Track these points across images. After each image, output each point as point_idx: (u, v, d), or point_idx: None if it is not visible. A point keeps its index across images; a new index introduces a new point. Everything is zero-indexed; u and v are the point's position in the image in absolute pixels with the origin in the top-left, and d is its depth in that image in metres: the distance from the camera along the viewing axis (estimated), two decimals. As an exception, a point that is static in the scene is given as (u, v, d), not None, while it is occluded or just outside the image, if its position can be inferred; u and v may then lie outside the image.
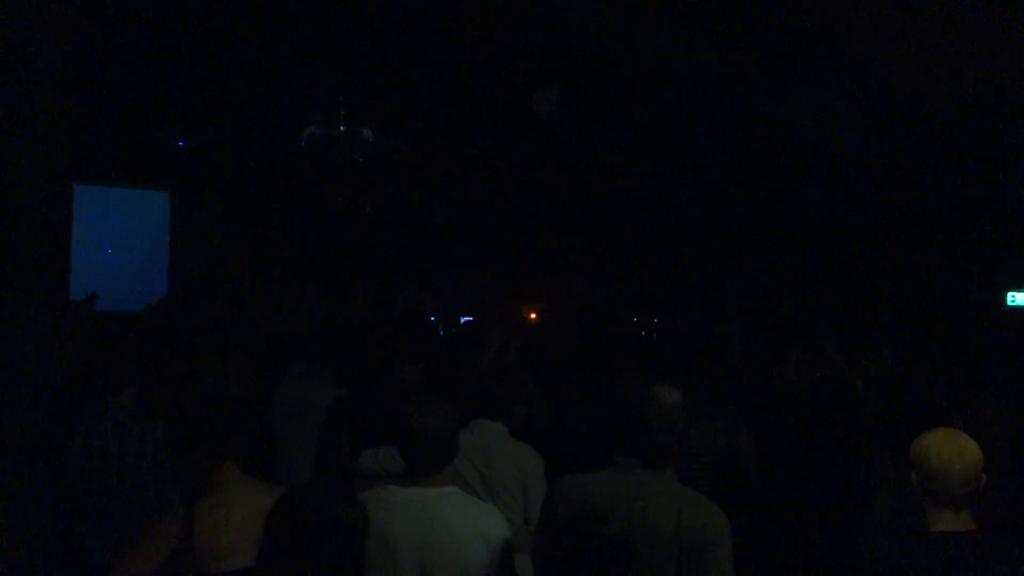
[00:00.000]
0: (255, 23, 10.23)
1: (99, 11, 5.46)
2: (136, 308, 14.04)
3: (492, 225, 18.89)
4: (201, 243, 18.42)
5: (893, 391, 8.12)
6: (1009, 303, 16.02)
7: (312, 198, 17.86)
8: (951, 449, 3.58)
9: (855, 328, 13.17)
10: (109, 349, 6.23)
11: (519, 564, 3.99)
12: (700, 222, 12.66)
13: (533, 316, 17.85)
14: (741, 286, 13.17)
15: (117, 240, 17.01)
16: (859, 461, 7.11)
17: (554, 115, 9.60)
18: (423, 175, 17.50)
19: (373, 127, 9.62)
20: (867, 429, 7.20)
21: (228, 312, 12.98)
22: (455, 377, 6.19)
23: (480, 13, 9.20)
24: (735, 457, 7.03)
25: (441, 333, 14.41)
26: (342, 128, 9.49)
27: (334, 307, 13.83)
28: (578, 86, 9.67)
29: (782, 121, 12.60)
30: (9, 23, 4.80)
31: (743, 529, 6.39)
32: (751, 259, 13.58)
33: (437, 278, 19.15)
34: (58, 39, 4.91)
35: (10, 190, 4.84)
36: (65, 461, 5.19)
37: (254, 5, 9.77)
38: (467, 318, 17.16)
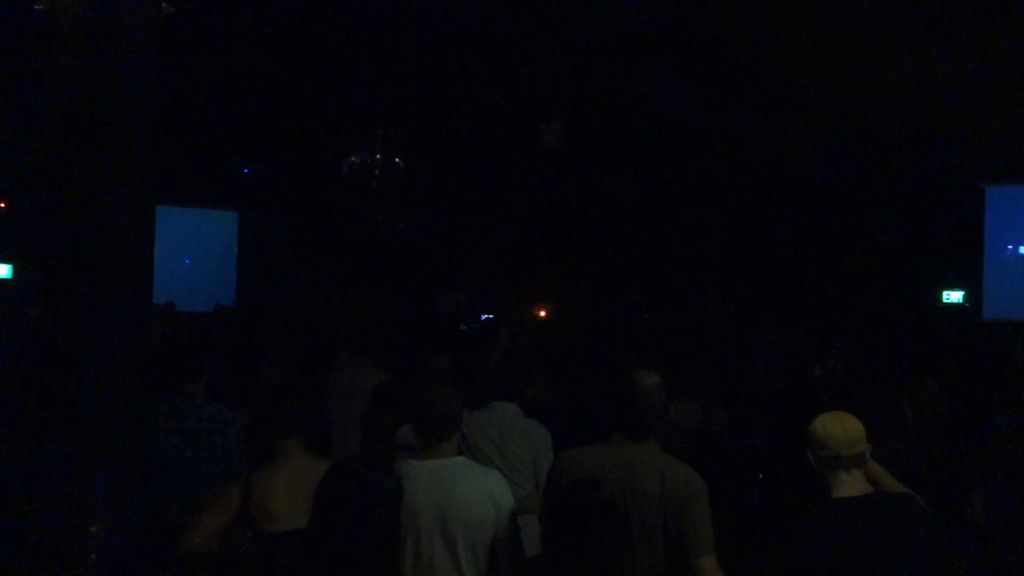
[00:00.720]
0: (307, 77, 10.29)
1: (181, 66, 5.54)
2: (208, 309, 14.11)
3: (506, 238, 18.87)
4: (263, 255, 18.51)
5: (846, 376, 8.14)
6: (944, 300, 16.00)
7: (354, 216, 17.87)
8: (835, 422, 3.64)
9: (815, 324, 13.18)
10: (186, 343, 6.28)
11: (529, 523, 4.02)
12: (686, 236, 12.65)
13: (542, 314, 17.86)
14: (719, 291, 13.16)
15: (193, 252, 17.09)
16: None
17: (559, 144, 9.60)
18: (448, 196, 17.53)
19: (404, 156, 9.63)
20: (822, 410, 7.20)
21: (286, 311, 13.03)
22: (476, 365, 6.21)
23: (496, 61, 9.23)
24: (711, 432, 7.07)
25: (464, 328, 14.38)
26: (378, 156, 9.51)
27: (374, 307, 13.87)
28: (580, 121, 9.69)
29: (754, 147, 12.60)
30: (107, 78, 4.85)
31: (718, 493, 6.46)
32: (729, 268, 13.57)
33: (462, 283, 19.18)
34: (147, 90, 4.95)
35: (104, 211, 4.88)
36: (151, 438, 5.23)
37: (306, 65, 9.84)
38: (486, 315, 17.16)
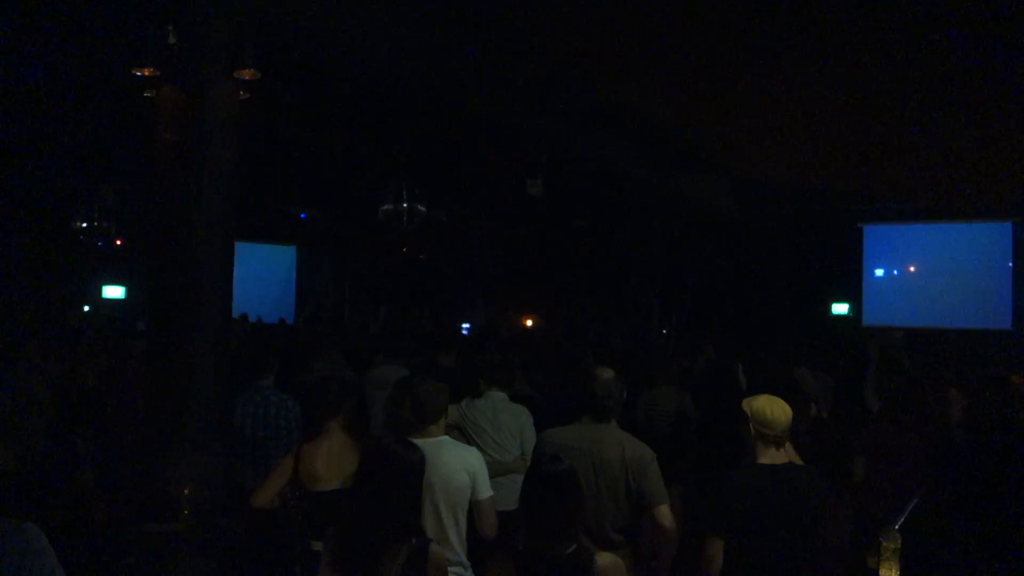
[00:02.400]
0: (350, 145, 10.33)
1: (255, 137, 5.60)
2: (274, 321, 14.08)
3: (502, 265, 18.90)
4: (315, 280, 18.52)
5: (757, 373, 8.16)
6: (833, 312, 16.06)
7: (385, 250, 17.89)
8: (774, 406, 3.63)
9: (737, 334, 13.22)
10: (258, 348, 6.27)
11: (513, 482, 4.02)
12: (635, 263, 12.67)
13: (528, 323, 17.86)
14: (662, 307, 13.17)
15: (262, 277, 17.08)
16: (739, 418, 7.15)
17: (541, 194, 9.63)
18: (457, 234, 17.58)
19: (426, 203, 9.64)
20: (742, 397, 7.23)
21: (334, 323, 13.01)
22: (475, 362, 6.21)
23: (493, 133, 9.28)
24: (683, 412, 7.10)
25: (464, 333, 14.36)
26: (405, 205, 9.51)
27: (402, 318, 13.86)
28: (557, 176, 9.74)
29: (685, 197, 12.66)
30: (199, 147, 4.87)
31: (689, 458, 6.50)
32: (669, 289, 13.61)
33: (469, 300, 19.20)
34: (229, 155, 4.97)
35: (196, 246, 4.89)
36: (230, 421, 5.23)
37: (350, 136, 9.90)
38: (476, 324, 17.15)
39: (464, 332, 15.46)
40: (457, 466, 3.71)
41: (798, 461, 3.87)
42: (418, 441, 3.68)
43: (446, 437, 3.89)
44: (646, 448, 3.83)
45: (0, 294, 11.59)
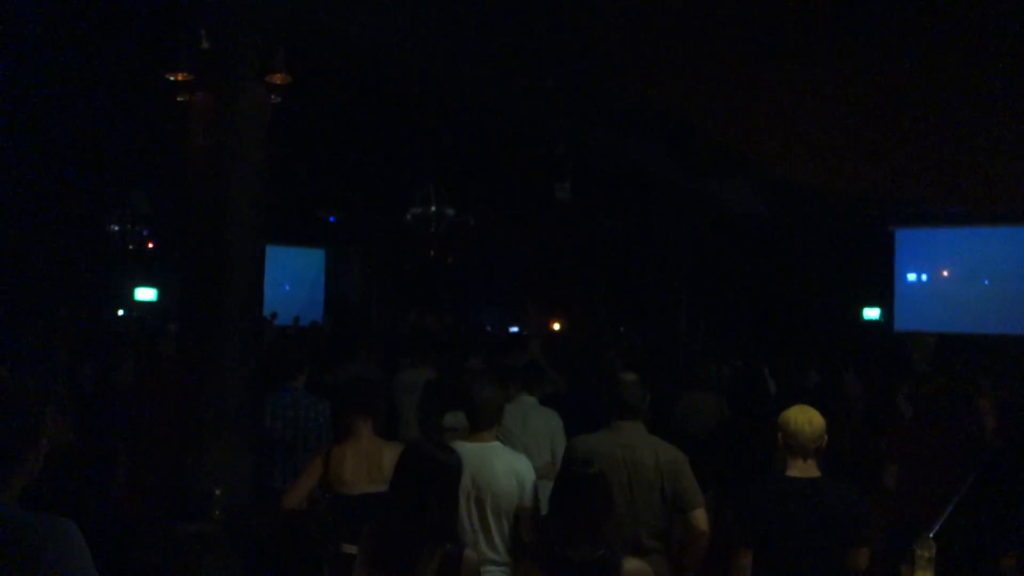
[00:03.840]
0: (379, 149, 10.38)
1: (286, 141, 5.66)
2: (304, 324, 14.16)
3: (529, 268, 18.90)
4: (344, 283, 18.62)
5: (788, 377, 8.11)
6: (865, 317, 15.91)
7: (414, 253, 17.95)
8: (804, 418, 3.52)
9: (766, 340, 13.13)
10: (288, 350, 6.31)
11: (545, 488, 4.03)
12: (664, 268, 12.62)
13: (555, 327, 17.83)
14: (690, 312, 13.12)
15: (292, 280, 17.19)
16: (767, 422, 7.11)
17: (569, 198, 9.62)
18: (485, 238, 17.58)
19: (454, 207, 9.67)
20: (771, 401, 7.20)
21: (363, 326, 13.06)
22: (504, 367, 6.21)
23: (522, 136, 9.30)
24: (720, 418, 7.08)
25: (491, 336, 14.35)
26: (433, 208, 9.54)
27: (430, 321, 13.88)
28: (585, 179, 9.72)
29: (715, 200, 12.61)
30: (231, 151, 4.92)
31: (727, 454, 6.49)
32: (697, 294, 13.55)
33: (495, 302, 19.22)
34: (260, 160, 5.02)
35: (227, 249, 4.94)
36: (261, 422, 5.26)
37: (379, 141, 9.95)
38: (514, 328, 17.15)
39: (512, 333, 15.51)
40: (507, 472, 3.70)
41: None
42: (470, 445, 3.69)
43: (497, 443, 3.88)
44: (678, 451, 3.82)
45: (34, 296, 11.74)
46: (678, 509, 3.72)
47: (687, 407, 7.19)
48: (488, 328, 16.26)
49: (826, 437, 3.56)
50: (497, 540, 3.66)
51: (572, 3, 6.13)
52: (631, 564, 2.79)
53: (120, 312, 14.37)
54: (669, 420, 6.95)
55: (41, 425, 2.06)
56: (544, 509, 3.76)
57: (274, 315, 11.96)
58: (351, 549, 3.72)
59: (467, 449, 3.63)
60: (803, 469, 3.53)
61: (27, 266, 11.98)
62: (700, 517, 3.70)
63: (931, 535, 3.44)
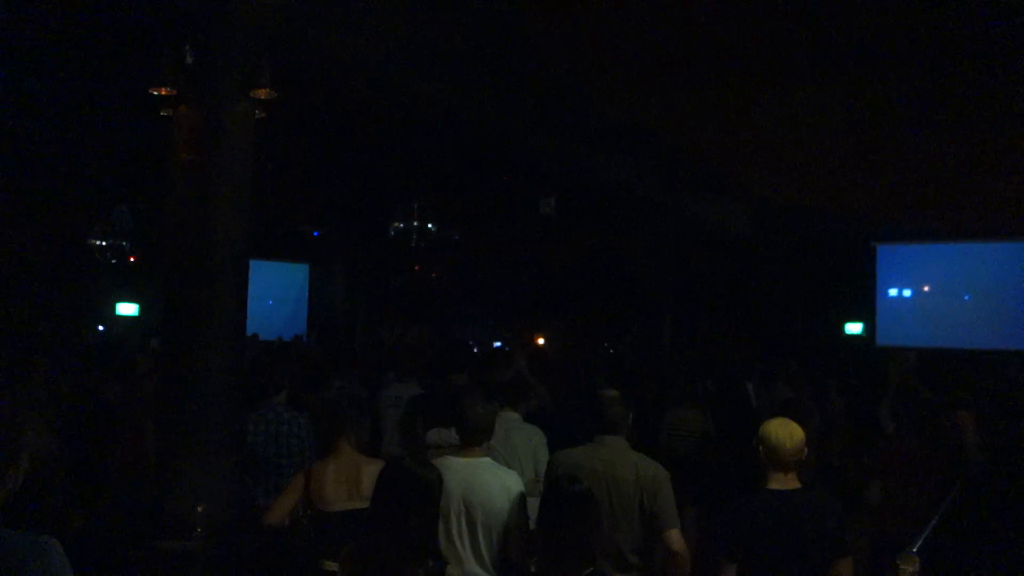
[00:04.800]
0: (362, 165, 10.39)
1: (269, 156, 5.65)
2: (287, 339, 14.10)
3: (513, 283, 18.92)
4: (328, 298, 18.57)
5: (768, 390, 8.14)
6: (847, 332, 16.01)
7: (398, 268, 17.93)
8: (784, 432, 3.55)
9: (747, 353, 13.16)
10: (270, 365, 6.28)
11: (530, 504, 4.03)
12: (647, 284, 12.66)
13: (540, 341, 17.84)
14: (673, 327, 13.15)
15: (275, 295, 17.13)
16: (749, 433, 7.14)
17: (554, 214, 9.66)
18: (469, 253, 17.60)
19: (437, 222, 9.69)
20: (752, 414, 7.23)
21: (346, 341, 13.02)
22: (488, 382, 6.20)
23: (506, 153, 9.33)
24: (707, 433, 7.10)
25: (476, 351, 14.32)
26: (416, 223, 9.55)
27: (414, 336, 13.85)
28: (570, 196, 9.77)
29: (697, 217, 12.67)
30: (214, 166, 4.91)
31: (712, 470, 6.51)
32: (680, 309, 13.59)
33: (479, 318, 19.22)
34: (243, 175, 5.02)
35: (209, 264, 4.92)
36: (243, 438, 5.23)
37: (361, 157, 9.96)
38: (497, 343, 17.14)
39: (496, 348, 15.49)
40: (498, 488, 3.69)
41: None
42: (461, 461, 3.69)
43: (487, 459, 3.87)
44: (660, 468, 3.82)
45: (15, 310, 11.66)
46: (654, 528, 3.71)
47: (672, 423, 7.20)
48: (471, 343, 16.25)
49: (806, 450, 3.58)
50: (485, 557, 3.64)
51: (557, 22, 6.17)
52: None
53: (100, 328, 14.28)
54: (654, 436, 6.96)
55: (21, 442, 2.05)
56: (531, 526, 3.76)
57: (255, 337, 11.90)
58: (332, 566, 3.70)
59: (457, 465, 3.63)
60: (784, 482, 3.56)
61: (8, 280, 11.91)
62: (675, 538, 3.68)
63: (914, 550, 3.45)
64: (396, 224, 9.68)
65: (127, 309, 15.11)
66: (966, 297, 15.04)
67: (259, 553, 4.53)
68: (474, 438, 3.81)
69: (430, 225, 9.76)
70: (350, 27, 5.83)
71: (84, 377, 7.16)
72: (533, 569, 2.87)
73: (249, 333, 8.03)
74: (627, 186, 10.54)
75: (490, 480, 3.71)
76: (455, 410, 3.94)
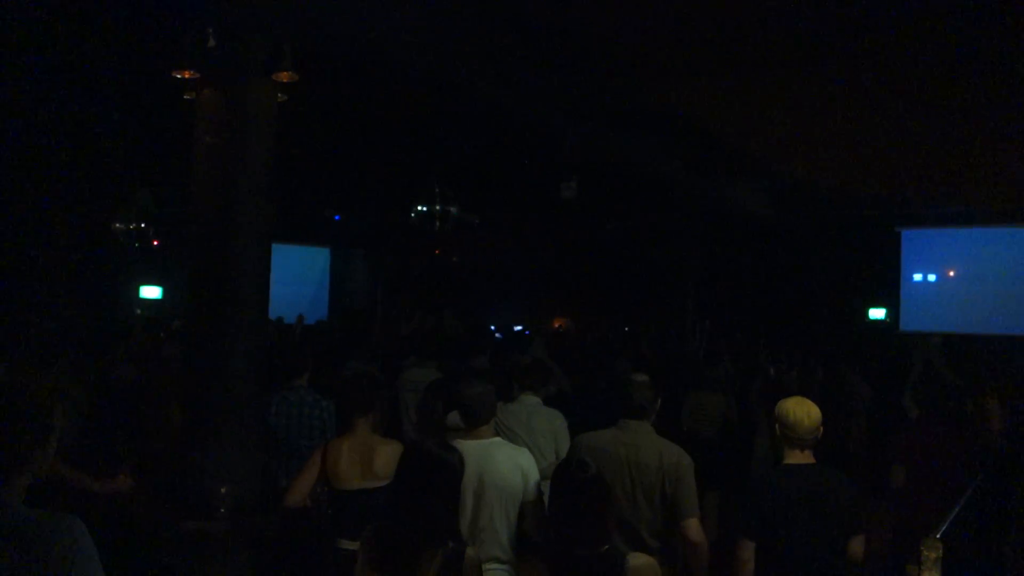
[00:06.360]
0: (384, 148, 10.39)
1: (292, 139, 5.66)
2: (309, 323, 14.13)
3: (535, 267, 18.90)
4: (349, 281, 18.64)
5: (787, 376, 8.10)
6: (870, 317, 15.91)
7: (419, 252, 17.96)
8: (802, 410, 3.60)
9: (771, 336, 13.10)
10: (293, 348, 6.31)
11: (548, 489, 4.04)
12: (671, 268, 12.63)
13: (560, 325, 17.83)
14: (697, 311, 13.12)
15: (298, 278, 17.20)
16: (758, 418, 7.15)
17: (575, 197, 9.61)
18: (490, 237, 17.59)
19: (458, 206, 9.67)
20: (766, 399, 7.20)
21: (368, 324, 13.04)
22: (509, 365, 6.21)
23: (528, 135, 9.30)
24: (729, 418, 7.11)
25: (499, 336, 14.32)
26: (438, 207, 9.54)
27: (434, 320, 13.85)
28: (591, 179, 9.71)
29: (721, 201, 12.60)
30: (237, 149, 4.92)
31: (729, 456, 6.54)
32: (704, 293, 13.56)
33: (500, 302, 19.22)
34: (266, 157, 5.03)
35: (232, 247, 4.94)
36: (265, 420, 5.26)
37: (384, 140, 9.96)
38: (517, 327, 17.14)
39: (517, 332, 15.50)
40: (510, 466, 3.72)
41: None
42: (470, 442, 3.70)
43: (498, 438, 3.90)
44: (684, 455, 3.81)
45: (40, 295, 11.77)
46: (673, 516, 3.71)
47: (695, 407, 7.20)
48: (492, 328, 16.26)
49: (822, 429, 3.61)
50: (502, 536, 3.66)
51: (582, 2, 6.12)
52: (637, 559, 2.80)
53: (138, 312, 14.38)
54: (677, 420, 6.96)
55: (50, 425, 2.07)
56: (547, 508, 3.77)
57: (280, 319, 11.96)
58: (348, 545, 3.73)
59: (468, 446, 3.64)
60: (800, 459, 3.62)
61: (32, 265, 12.00)
62: (694, 527, 3.68)
63: (938, 536, 3.43)
64: (417, 208, 9.67)
65: (151, 292, 15.21)
66: (991, 282, 14.90)
67: (281, 533, 4.58)
68: (477, 419, 3.82)
69: (452, 209, 9.74)
70: (372, 8, 5.80)
71: (105, 360, 7.21)
72: (548, 547, 2.87)
73: (272, 317, 8.09)
74: (650, 168, 10.48)
75: (503, 459, 3.74)
76: (454, 396, 3.97)
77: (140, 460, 5.55)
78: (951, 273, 15.51)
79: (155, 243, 11.74)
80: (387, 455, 3.90)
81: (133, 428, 5.88)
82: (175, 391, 5.63)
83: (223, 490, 4.44)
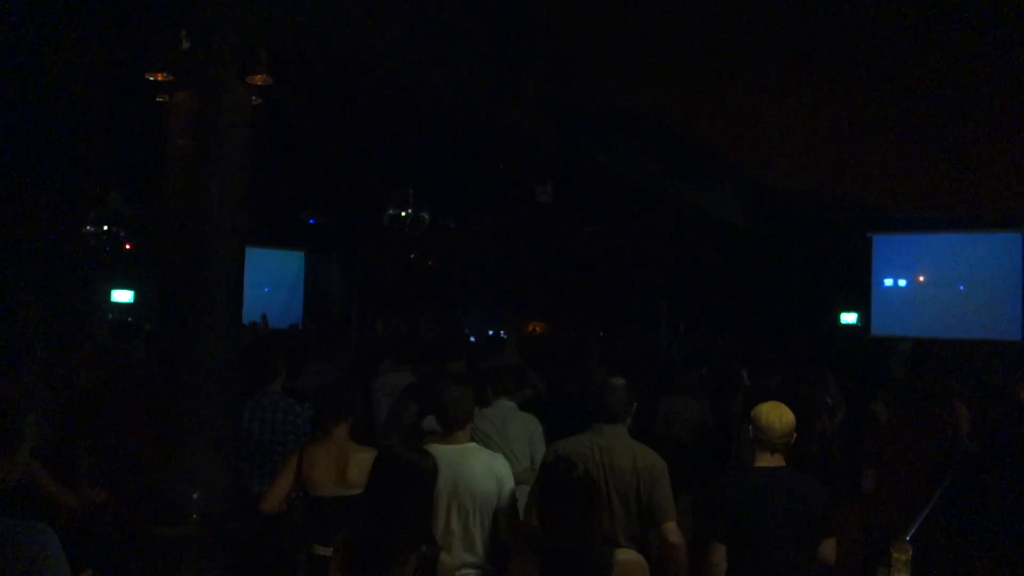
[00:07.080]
0: (358, 153, 10.36)
1: (266, 143, 5.62)
2: (282, 328, 14.06)
3: (509, 271, 18.91)
4: (323, 285, 18.56)
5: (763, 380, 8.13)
6: (842, 321, 16.06)
7: (392, 256, 17.91)
8: (775, 414, 3.64)
9: (743, 340, 13.18)
10: (266, 353, 6.26)
11: (524, 494, 4.05)
12: (643, 271, 12.68)
13: (536, 329, 17.84)
14: (668, 315, 13.17)
15: (272, 282, 17.09)
16: (738, 420, 7.19)
17: (550, 201, 9.63)
18: (464, 241, 17.60)
19: (432, 210, 9.67)
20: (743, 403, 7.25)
21: (343, 328, 13.01)
22: (484, 369, 6.20)
23: (502, 140, 9.30)
24: (703, 421, 7.13)
25: (472, 340, 14.32)
26: (410, 211, 9.54)
27: (409, 324, 13.82)
28: (566, 183, 9.74)
29: (694, 205, 12.66)
30: (211, 152, 4.89)
31: (703, 460, 6.55)
32: (676, 297, 13.61)
33: (473, 306, 19.21)
34: (240, 161, 4.99)
35: (205, 251, 4.91)
36: (238, 424, 5.22)
37: (357, 145, 9.93)
38: (491, 331, 17.14)
39: (491, 336, 15.47)
40: (485, 472, 3.71)
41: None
42: (445, 447, 3.69)
43: (473, 444, 3.90)
44: (658, 458, 3.83)
45: (9, 299, 11.62)
46: (650, 520, 3.72)
47: (669, 411, 7.22)
48: (466, 331, 16.25)
49: (795, 434, 3.64)
50: (476, 542, 3.66)
51: (554, 7, 6.15)
52: (624, 555, 2.84)
53: (109, 316, 14.22)
54: (652, 424, 6.97)
55: (22, 431, 2.04)
56: (521, 515, 3.78)
57: (252, 324, 11.87)
58: (322, 551, 3.71)
59: (444, 452, 3.63)
60: (770, 462, 3.65)
61: (2, 268, 11.86)
62: (671, 530, 3.70)
63: (907, 538, 3.47)
64: (391, 211, 9.65)
65: (122, 296, 15.06)
66: (961, 287, 15.09)
67: (254, 539, 4.54)
68: (455, 424, 3.82)
69: (425, 213, 9.74)
70: (347, 12, 5.79)
71: (68, 366, 7.13)
72: (540, 544, 2.88)
73: (245, 322, 8.02)
74: (624, 173, 10.52)
75: (477, 465, 3.73)
76: (432, 399, 3.96)
77: (106, 466, 5.50)
78: (921, 278, 15.68)
79: (127, 246, 11.64)
80: (363, 463, 3.88)
81: (98, 434, 5.81)
82: (141, 395, 5.56)
83: (195, 495, 4.40)
